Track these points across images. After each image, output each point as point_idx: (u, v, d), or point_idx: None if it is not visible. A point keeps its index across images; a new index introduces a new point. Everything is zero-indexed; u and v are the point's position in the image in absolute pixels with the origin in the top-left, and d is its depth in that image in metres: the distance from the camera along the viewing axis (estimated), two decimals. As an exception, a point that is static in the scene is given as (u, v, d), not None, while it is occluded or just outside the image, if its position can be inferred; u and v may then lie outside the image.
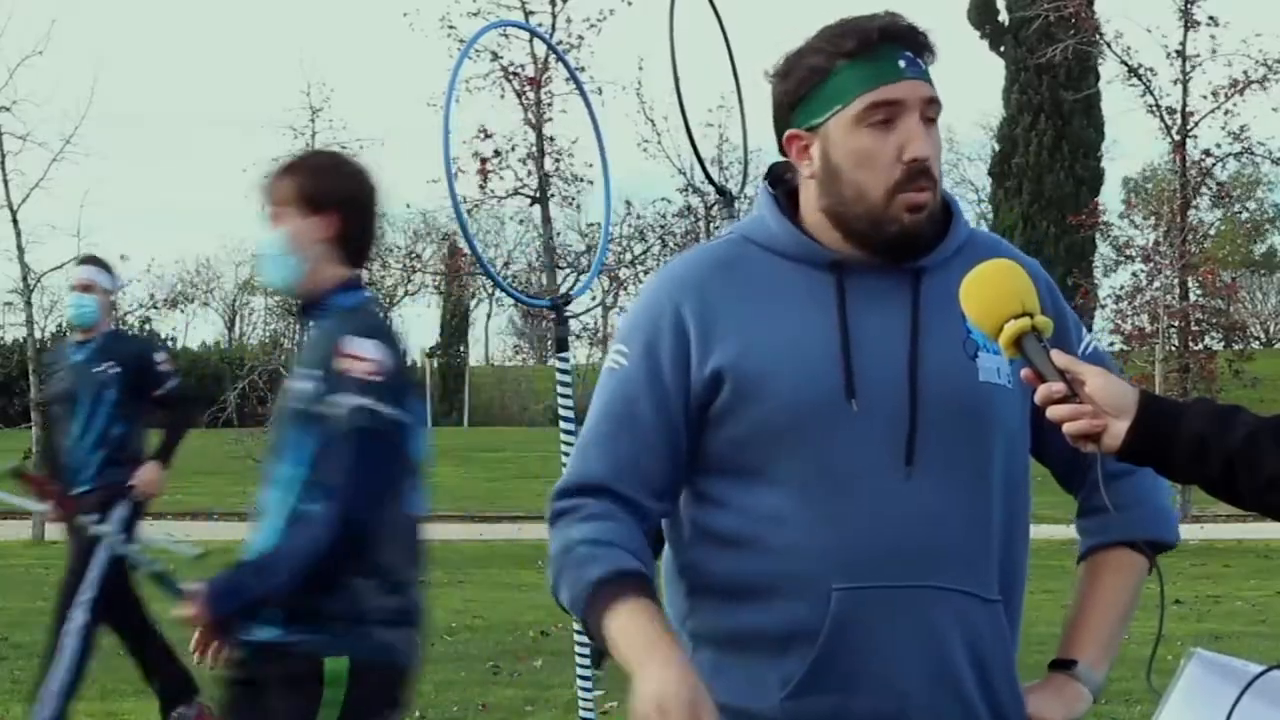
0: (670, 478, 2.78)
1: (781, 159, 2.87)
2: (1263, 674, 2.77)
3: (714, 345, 2.74)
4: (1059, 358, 2.56)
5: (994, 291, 2.61)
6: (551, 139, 27.13)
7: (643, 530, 2.77)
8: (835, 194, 2.74)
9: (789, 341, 2.73)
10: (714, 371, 2.74)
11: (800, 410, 2.70)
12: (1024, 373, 2.59)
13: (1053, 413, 2.55)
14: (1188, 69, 27.69)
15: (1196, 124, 27.89)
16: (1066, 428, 2.54)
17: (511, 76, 26.68)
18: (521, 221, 32.06)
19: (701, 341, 2.75)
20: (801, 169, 2.79)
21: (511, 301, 45.86)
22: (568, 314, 5.91)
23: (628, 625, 2.65)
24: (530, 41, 26.58)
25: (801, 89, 2.76)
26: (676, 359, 2.76)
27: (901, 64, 2.72)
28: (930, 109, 2.74)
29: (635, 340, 2.79)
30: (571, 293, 6.60)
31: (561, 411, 5.84)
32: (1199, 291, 29.38)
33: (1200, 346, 29.23)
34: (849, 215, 2.74)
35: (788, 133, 2.79)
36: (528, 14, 26.57)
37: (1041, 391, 2.55)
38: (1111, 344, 29.10)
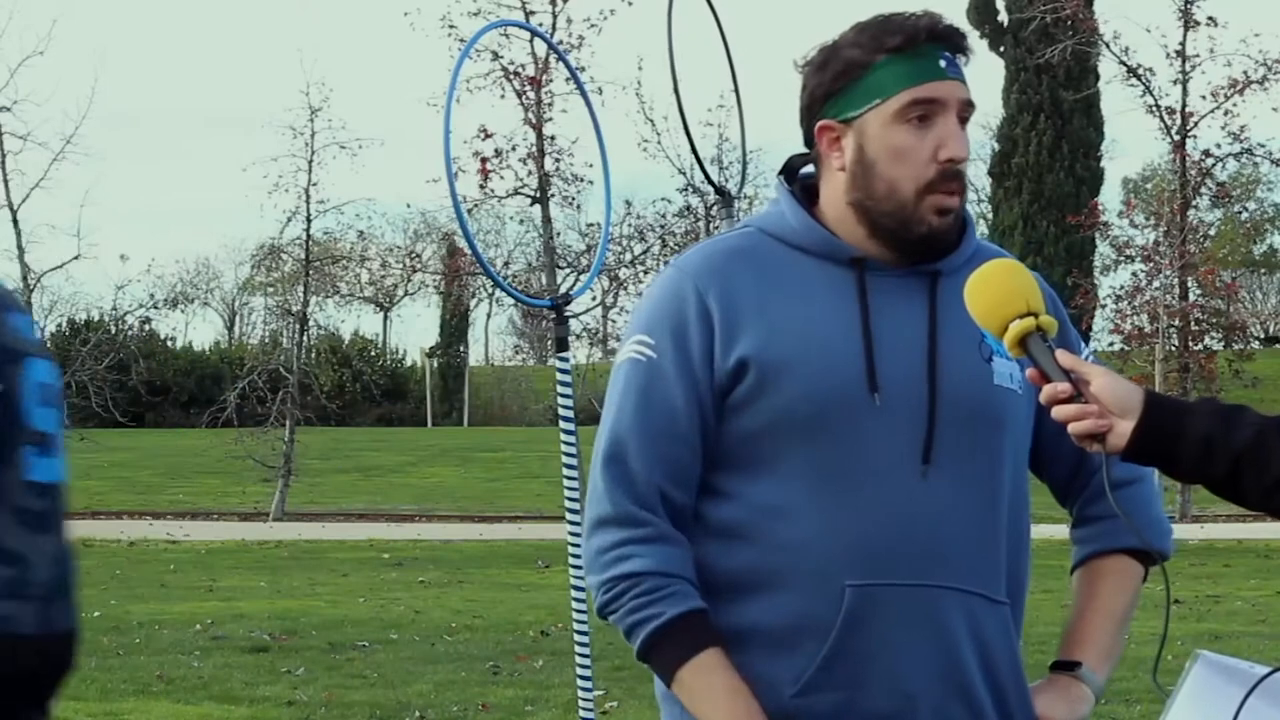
0: (700, 471, 2.77)
1: (797, 153, 2.86)
2: (1269, 675, 2.77)
3: (739, 334, 2.73)
4: (1064, 357, 2.55)
5: (998, 291, 2.59)
6: (552, 139, 27.15)
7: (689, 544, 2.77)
8: (866, 188, 2.74)
9: (811, 332, 2.72)
10: (739, 360, 2.72)
11: (823, 400, 2.69)
12: (1029, 372, 2.58)
13: (1058, 412, 2.54)
14: (1187, 69, 27.70)
15: (1196, 124, 27.90)
16: (1072, 428, 2.53)
17: (512, 76, 26.69)
18: (521, 221, 32.12)
19: (726, 329, 2.73)
20: (830, 160, 2.78)
21: (511, 301, 45.89)
22: (568, 314, 5.90)
23: (713, 678, 2.69)
24: (530, 41, 26.61)
25: (839, 81, 2.75)
26: (704, 348, 2.74)
27: (943, 64, 2.73)
28: (966, 111, 2.75)
29: (661, 329, 2.76)
30: (571, 293, 6.59)
31: (561, 411, 5.83)
32: (1199, 291, 29.38)
33: (1200, 346, 29.22)
34: (877, 211, 2.73)
35: (820, 123, 2.77)
36: (528, 14, 26.57)
37: (1046, 391, 2.54)
38: (1111, 344, 29.11)
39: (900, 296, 2.75)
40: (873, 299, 2.74)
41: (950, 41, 2.75)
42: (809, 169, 2.85)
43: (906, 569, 2.69)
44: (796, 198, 2.82)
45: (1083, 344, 2.92)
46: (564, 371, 5.83)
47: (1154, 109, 27.97)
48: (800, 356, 2.70)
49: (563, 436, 5.78)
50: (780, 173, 2.88)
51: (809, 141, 2.81)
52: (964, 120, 2.75)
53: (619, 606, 2.74)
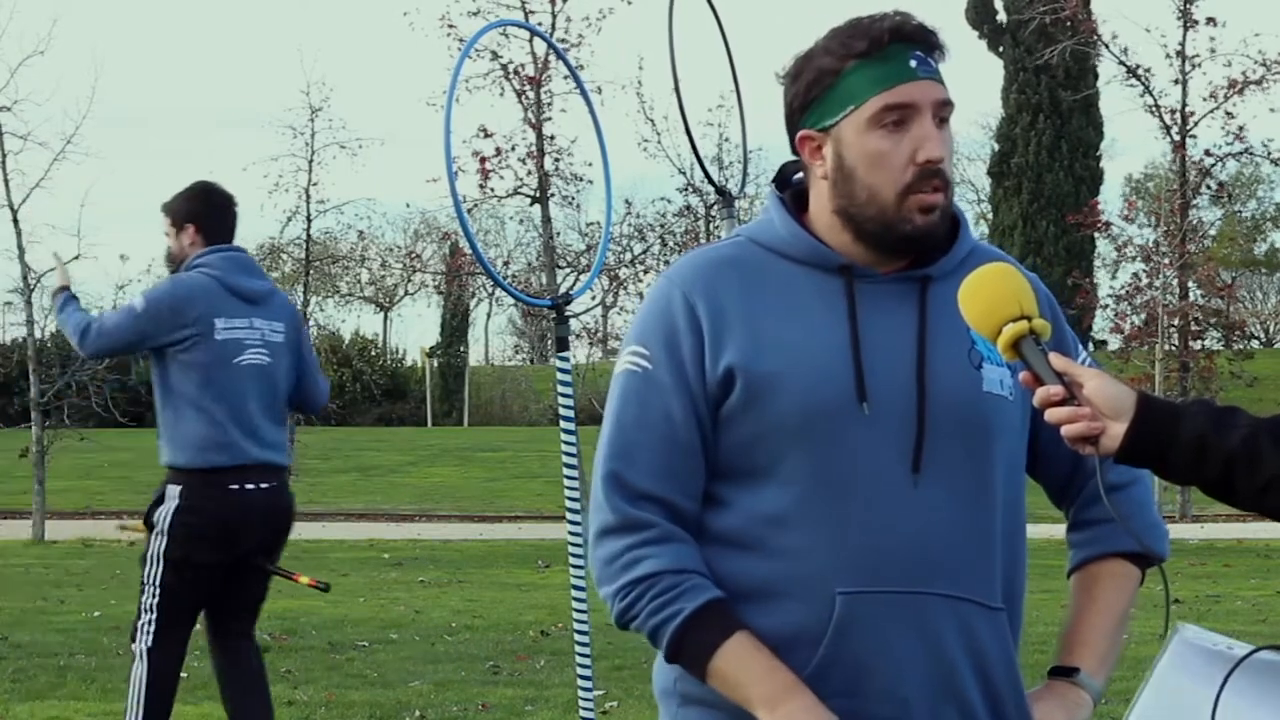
0: (704, 479, 2.77)
1: (789, 160, 2.86)
2: (1249, 655, 2.78)
3: (726, 343, 2.73)
4: (1057, 360, 2.56)
5: (992, 294, 2.60)
6: (552, 138, 27.14)
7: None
8: (848, 195, 2.73)
9: (800, 342, 2.72)
10: (726, 370, 2.72)
11: (812, 411, 2.69)
12: (1022, 375, 2.59)
13: (1051, 415, 2.55)
14: (1187, 69, 27.69)
15: (1196, 124, 27.88)
16: (1065, 430, 2.54)
17: (512, 76, 26.69)
18: (521, 221, 32.10)
19: (714, 338, 2.74)
20: (814, 170, 2.78)
21: (512, 301, 45.86)
22: (568, 314, 5.91)
23: (747, 660, 2.67)
24: (530, 40, 26.60)
25: (813, 90, 2.75)
26: (695, 357, 2.74)
27: (913, 64, 2.71)
28: (943, 110, 2.73)
29: (654, 341, 2.77)
30: (572, 293, 6.59)
31: (561, 411, 5.84)
32: (1199, 291, 29.37)
33: (1200, 346, 29.21)
34: (861, 216, 2.73)
35: (800, 133, 2.78)
36: (528, 13, 26.57)
37: (1040, 394, 2.55)
38: (1110, 344, 29.10)
39: (890, 303, 2.75)
40: (862, 306, 2.73)
41: (920, 40, 2.73)
42: (801, 176, 2.85)
43: (898, 576, 2.68)
44: (786, 206, 2.82)
45: (1079, 345, 2.92)
46: (564, 371, 5.83)
47: (1153, 109, 27.96)
48: (789, 368, 2.70)
49: (563, 436, 5.79)
50: (774, 180, 2.88)
51: (795, 150, 2.81)
52: (943, 119, 2.73)
53: (638, 611, 2.73)
